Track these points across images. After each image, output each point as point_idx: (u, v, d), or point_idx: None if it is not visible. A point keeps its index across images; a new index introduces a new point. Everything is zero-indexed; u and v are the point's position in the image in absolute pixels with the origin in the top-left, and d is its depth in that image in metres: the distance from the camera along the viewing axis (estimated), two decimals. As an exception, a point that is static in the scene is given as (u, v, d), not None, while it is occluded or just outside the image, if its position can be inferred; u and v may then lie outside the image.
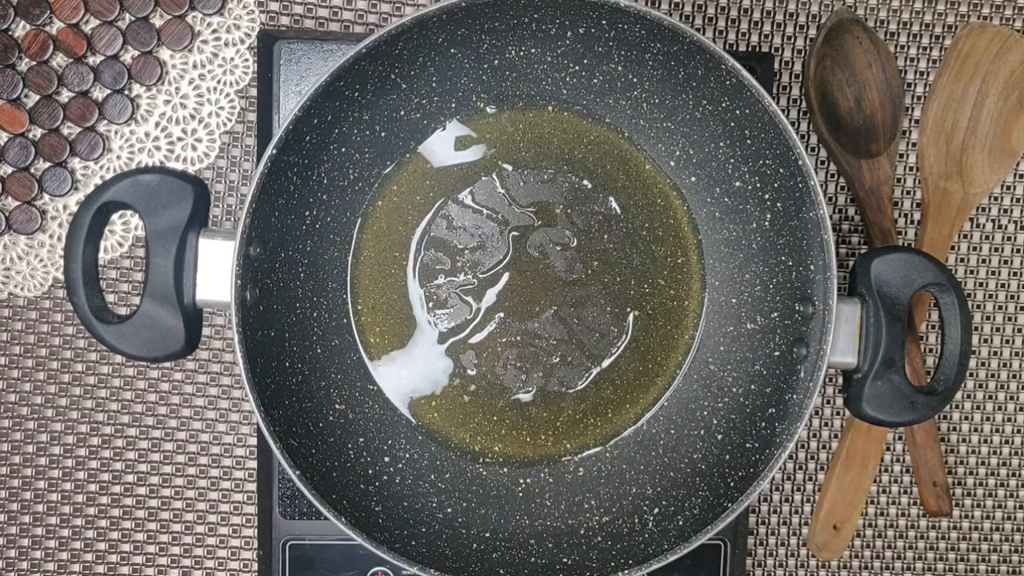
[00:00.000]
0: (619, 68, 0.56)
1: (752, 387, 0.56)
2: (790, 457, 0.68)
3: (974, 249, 0.68)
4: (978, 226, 0.68)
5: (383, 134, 0.57)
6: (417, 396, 0.60)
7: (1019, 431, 0.70)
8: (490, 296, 0.60)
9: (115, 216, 0.63)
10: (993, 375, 0.69)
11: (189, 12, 0.62)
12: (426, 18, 0.49)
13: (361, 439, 0.57)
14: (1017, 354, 0.69)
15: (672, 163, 0.59)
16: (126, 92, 0.62)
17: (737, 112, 0.53)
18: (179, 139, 0.63)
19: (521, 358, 0.60)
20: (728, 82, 0.51)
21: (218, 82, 0.63)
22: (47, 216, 0.63)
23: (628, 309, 0.60)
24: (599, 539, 0.56)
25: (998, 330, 0.69)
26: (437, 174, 0.59)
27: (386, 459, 0.58)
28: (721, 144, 0.56)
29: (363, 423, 0.58)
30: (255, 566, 0.65)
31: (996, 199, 0.68)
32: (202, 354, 0.65)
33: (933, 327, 0.68)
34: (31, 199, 0.62)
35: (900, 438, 0.68)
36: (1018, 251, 0.69)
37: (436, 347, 0.60)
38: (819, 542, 0.67)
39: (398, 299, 0.59)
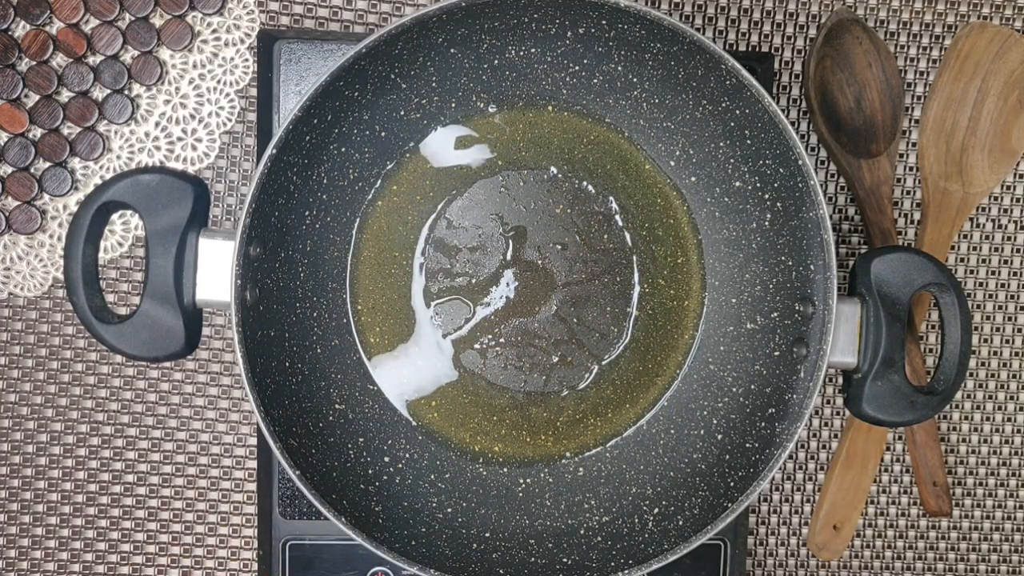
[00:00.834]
0: (619, 68, 0.56)
1: (752, 387, 0.56)
2: (790, 457, 0.68)
3: (974, 249, 0.68)
4: (978, 226, 0.68)
5: (383, 134, 0.57)
6: (417, 396, 0.60)
7: (1019, 431, 0.70)
8: (490, 296, 0.60)
9: (115, 216, 0.63)
10: (993, 375, 0.69)
11: (189, 12, 0.62)
12: (426, 18, 0.49)
13: (361, 439, 0.57)
14: (1017, 354, 0.69)
15: (672, 163, 0.59)
16: (126, 92, 0.62)
17: (737, 112, 0.53)
18: (179, 139, 0.63)
19: (521, 358, 0.60)
20: (728, 82, 0.51)
21: (218, 82, 0.63)
22: (47, 216, 0.63)
23: (628, 309, 0.60)
24: (599, 539, 0.56)
25: (998, 330, 0.69)
26: (437, 174, 0.59)
27: (386, 459, 0.58)
28: (721, 144, 0.56)
29: (363, 423, 0.58)
30: (255, 566, 0.65)
31: (996, 199, 0.68)
32: (202, 354, 0.65)
33: (933, 327, 0.68)
34: (31, 199, 0.62)
35: (900, 438, 0.69)
36: (1018, 251, 0.69)
37: (436, 347, 0.60)
38: (819, 542, 0.67)
39: (398, 299, 0.59)
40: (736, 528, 0.62)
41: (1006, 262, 0.69)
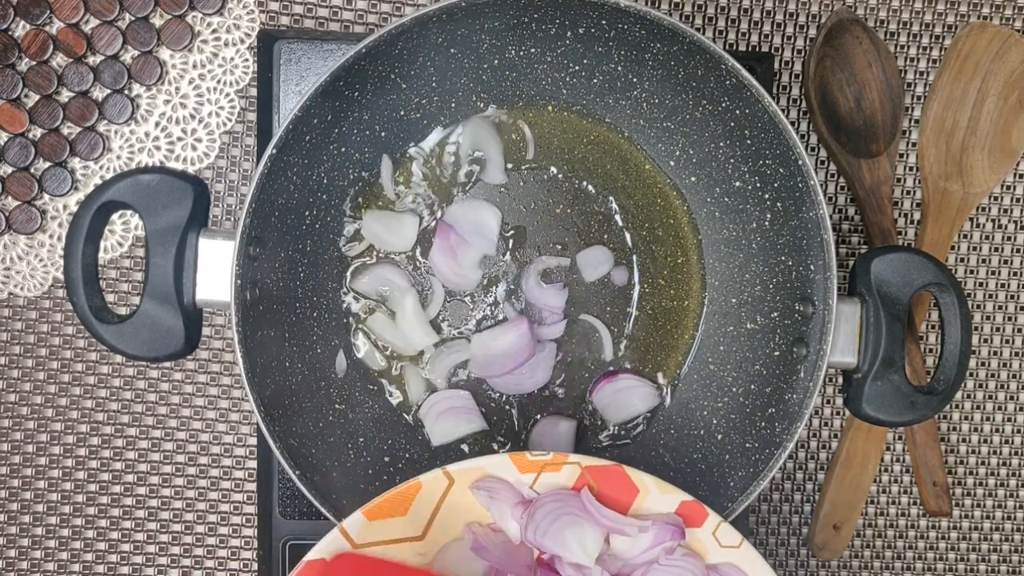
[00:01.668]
0: (619, 68, 0.56)
1: (752, 387, 0.56)
2: (790, 457, 0.68)
3: (974, 249, 0.68)
4: (978, 226, 0.68)
5: (383, 134, 0.57)
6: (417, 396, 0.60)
7: (1019, 431, 0.70)
8: (490, 295, 0.60)
9: (115, 216, 0.63)
10: (993, 375, 0.69)
11: (189, 12, 0.62)
12: (426, 18, 0.49)
13: (361, 439, 0.57)
14: (1017, 354, 0.69)
15: (672, 163, 0.59)
16: (126, 92, 0.62)
17: (737, 112, 0.53)
18: (179, 139, 0.63)
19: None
20: (728, 82, 0.51)
21: (218, 82, 0.63)
22: (47, 216, 0.63)
23: (628, 309, 0.60)
24: (599, 539, 0.56)
25: (998, 330, 0.69)
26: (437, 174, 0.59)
27: (386, 459, 0.58)
28: (721, 144, 0.56)
29: (363, 423, 0.58)
30: (255, 566, 0.65)
31: (996, 199, 0.68)
32: (202, 354, 0.65)
33: (933, 327, 0.68)
34: (31, 199, 0.62)
35: (900, 438, 0.69)
36: (1018, 251, 0.69)
37: (436, 347, 0.60)
38: (819, 542, 0.67)
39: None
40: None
41: (1006, 262, 0.69)
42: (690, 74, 0.53)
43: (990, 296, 0.69)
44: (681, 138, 0.58)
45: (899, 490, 0.69)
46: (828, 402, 0.68)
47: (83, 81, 0.62)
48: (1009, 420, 0.69)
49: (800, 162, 0.50)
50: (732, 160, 0.56)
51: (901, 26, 0.66)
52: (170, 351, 0.50)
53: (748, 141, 0.54)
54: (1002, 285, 0.69)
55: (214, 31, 0.62)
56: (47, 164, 0.62)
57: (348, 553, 0.45)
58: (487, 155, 0.58)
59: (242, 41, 0.63)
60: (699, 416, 0.59)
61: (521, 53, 0.56)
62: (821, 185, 0.55)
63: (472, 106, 0.58)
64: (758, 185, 0.55)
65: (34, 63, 0.61)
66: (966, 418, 0.69)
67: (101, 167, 0.63)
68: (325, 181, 0.56)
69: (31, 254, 0.63)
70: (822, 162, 0.67)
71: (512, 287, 0.59)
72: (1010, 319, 0.69)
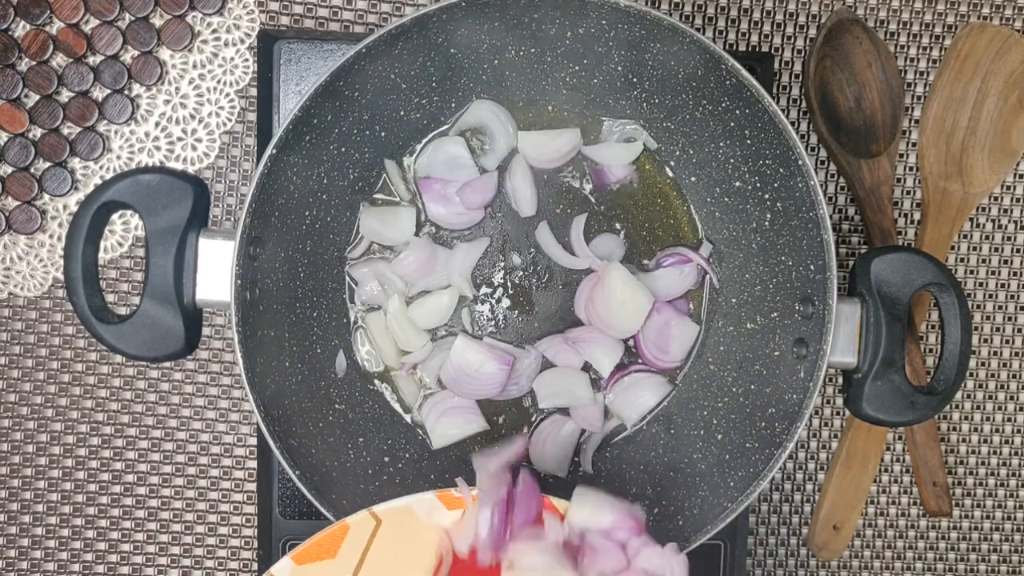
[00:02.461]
0: (619, 68, 0.56)
1: (752, 387, 0.56)
2: (790, 457, 0.68)
3: (974, 249, 0.68)
4: (978, 226, 0.68)
5: (383, 134, 0.57)
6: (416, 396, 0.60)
7: (1019, 431, 0.70)
8: (489, 296, 0.60)
9: (115, 216, 0.63)
10: (993, 375, 0.69)
11: (189, 12, 0.62)
12: (426, 18, 0.49)
13: (361, 439, 0.57)
14: (1017, 354, 0.69)
15: (672, 163, 0.59)
16: (126, 92, 0.62)
17: (737, 112, 0.53)
18: (179, 139, 0.63)
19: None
20: (728, 82, 0.51)
21: (218, 82, 0.63)
22: (47, 216, 0.63)
23: (628, 309, 0.60)
24: (599, 539, 0.56)
25: (998, 330, 0.69)
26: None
27: (386, 459, 0.58)
28: (721, 144, 0.56)
29: (363, 423, 0.58)
30: (255, 566, 0.65)
31: (996, 199, 0.68)
32: (202, 354, 0.65)
33: (933, 327, 0.68)
34: (31, 199, 0.62)
35: (900, 438, 0.69)
36: (1018, 251, 0.69)
37: (435, 347, 0.60)
38: (819, 542, 0.67)
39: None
40: (736, 528, 0.62)
41: (1006, 262, 0.69)
42: (690, 74, 0.53)
43: (990, 296, 0.69)
44: (681, 138, 0.58)
45: (899, 490, 0.69)
46: (828, 402, 0.68)
47: (83, 81, 0.62)
48: (1009, 420, 0.69)
49: (800, 162, 0.50)
50: (732, 160, 0.56)
51: (901, 26, 0.66)
52: (170, 351, 0.50)
53: (748, 141, 0.54)
54: (1002, 285, 0.69)
55: (214, 31, 0.62)
56: (47, 164, 0.62)
57: None
58: (491, 135, 0.58)
59: (242, 41, 0.63)
60: (699, 416, 0.59)
61: (521, 53, 0.56)
62: (821, 185, 0.55)
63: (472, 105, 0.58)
64: (758, 185, 0.55)
65: (34, 63, 0.61)
66: (966, 418, 0.69)
67: (101, 167, 0.63)
68: (325, 181, 0.56)
69: (31, 254, 0.63)
70: (822, 162, 0.67)
71: (532, 251, 0.59)
72: (1010, 319, 0.69)
